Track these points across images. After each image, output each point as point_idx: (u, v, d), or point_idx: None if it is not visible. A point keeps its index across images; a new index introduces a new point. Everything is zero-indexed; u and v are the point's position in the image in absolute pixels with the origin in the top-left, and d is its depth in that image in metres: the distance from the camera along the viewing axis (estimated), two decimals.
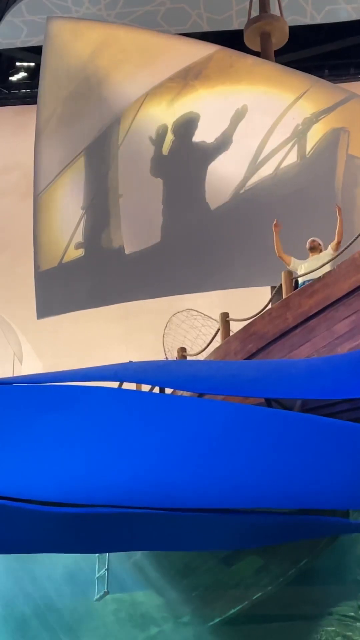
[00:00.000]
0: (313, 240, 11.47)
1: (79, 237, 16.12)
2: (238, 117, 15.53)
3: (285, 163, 15.09)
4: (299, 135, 15.08)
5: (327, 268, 10.31)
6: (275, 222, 11.68)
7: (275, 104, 15.21)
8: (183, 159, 15.82)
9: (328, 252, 11.05)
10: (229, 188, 15.39)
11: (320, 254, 11.19)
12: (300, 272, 10.99)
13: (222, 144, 15.68)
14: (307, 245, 11.47)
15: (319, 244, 11.39)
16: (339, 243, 10.96)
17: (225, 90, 15.60)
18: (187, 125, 15.92)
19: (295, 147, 15.13)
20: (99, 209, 16.18)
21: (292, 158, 15.08)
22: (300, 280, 10.79)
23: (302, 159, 15.09)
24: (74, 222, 16.23)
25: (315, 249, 11.38)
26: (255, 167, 15.24)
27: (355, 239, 10.17)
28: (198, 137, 15.80)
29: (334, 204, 11.64)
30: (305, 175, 14.96)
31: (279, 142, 15.15)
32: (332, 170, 14.87)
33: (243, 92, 15.47)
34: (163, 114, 15.92)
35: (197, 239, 15.46)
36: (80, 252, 16.12)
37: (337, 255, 10.57)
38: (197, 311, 12.89)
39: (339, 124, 14.90)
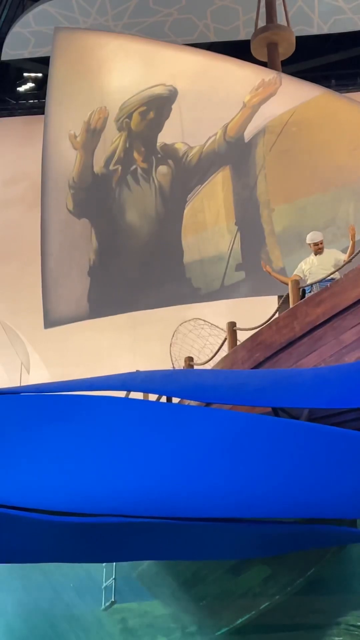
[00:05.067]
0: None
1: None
2: None
3: None
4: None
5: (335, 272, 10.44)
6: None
7: None
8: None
9: (331, 253, 11.14)
10: None
11: (324, 253, 11.23)
12: (305, 270, 11.14)
13: None
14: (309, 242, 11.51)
15: (320, 241, 11.41)
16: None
17: None
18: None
19: None
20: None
21: None
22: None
23: None
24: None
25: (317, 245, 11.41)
26: None
27: (357, 254, 10.19)
28: None
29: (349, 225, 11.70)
30: None
31: None
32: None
33: None
34: None
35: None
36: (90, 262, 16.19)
37: (342, 266, 10.58)
38: (204, 320, 12.89)
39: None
